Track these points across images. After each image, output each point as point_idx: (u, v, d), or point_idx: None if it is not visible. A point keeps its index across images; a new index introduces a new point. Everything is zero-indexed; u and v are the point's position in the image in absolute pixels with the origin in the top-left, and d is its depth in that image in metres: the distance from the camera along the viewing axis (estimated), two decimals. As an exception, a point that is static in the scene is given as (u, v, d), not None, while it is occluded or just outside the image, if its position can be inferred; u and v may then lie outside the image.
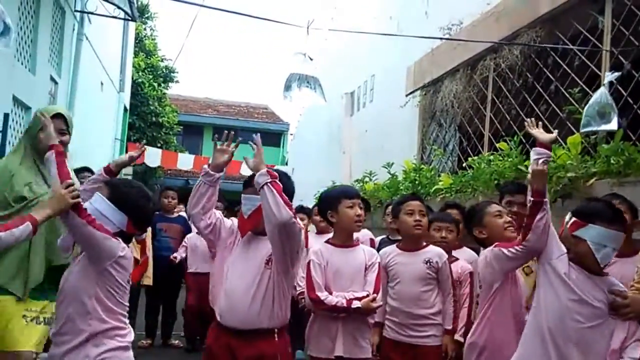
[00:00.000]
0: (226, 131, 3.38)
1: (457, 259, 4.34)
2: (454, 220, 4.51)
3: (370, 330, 3.72)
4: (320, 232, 6.18)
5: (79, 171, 7.06)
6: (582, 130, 4.47)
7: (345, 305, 3.47)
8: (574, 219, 2.87)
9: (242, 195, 3.24)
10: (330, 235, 4.18)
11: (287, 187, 3.14)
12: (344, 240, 3.73)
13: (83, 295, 2.63)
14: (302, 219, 6.53)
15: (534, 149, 3.04)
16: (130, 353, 2.80)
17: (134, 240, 3.49)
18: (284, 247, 3.06)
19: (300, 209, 6.59)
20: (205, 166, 3.29)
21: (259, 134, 3.28)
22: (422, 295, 3.91)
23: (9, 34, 4.68)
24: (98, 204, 2.75)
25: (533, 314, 2.92)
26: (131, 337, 2.82)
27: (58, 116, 3.41)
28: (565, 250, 2.86)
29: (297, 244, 3.11)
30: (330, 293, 3.56)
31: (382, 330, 4.02)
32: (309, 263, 3.67)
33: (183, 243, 7.08)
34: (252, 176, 3.13)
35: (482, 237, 3.54)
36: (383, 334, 4.01)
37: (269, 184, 2.94)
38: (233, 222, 3.40)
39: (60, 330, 2.66)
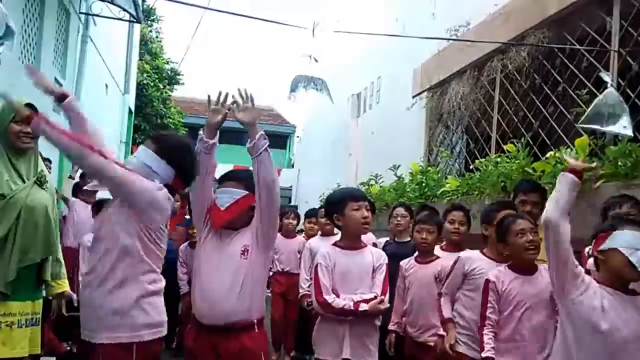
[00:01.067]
0: (220, 91, 3.25)
1: (438, 257, 4.33)
2: (436, 222, 4.49)
3: (377, 334, 3.66)
4: (325, 234, 6.15)
5: (85, 175, 7.07)
6: (580, 125, 4.42)
7: (352, 308, 3.43)
8: (594, 242, 2.73)
9: (219, 189, 3.19)
10: (336, 237, 4.22)
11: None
12: (351, 242, 3.68)
13: (123, 234, 2.68)
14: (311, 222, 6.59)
15: (567, 174, 2.82)
16: (162, 299, 2.90)
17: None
18: (270, 214, 3.09)
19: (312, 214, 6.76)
20: (200, 131, 3.19)
21: (246, 89, 3.18)
22: None
23: (12, 37, 4.67)
24: (144, 156, 2.77)
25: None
26: (162, 284, 2.91)
27: (27, 106, 3.22)
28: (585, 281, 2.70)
29: (278, 211, 3.20)
30: (338, 295, 3.52)
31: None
32: (316, 266, 3.62)
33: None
34: (231, 171, 3.28)
35: (507, 254, 3.45)
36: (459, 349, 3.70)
37: (267, 147, 3.01)
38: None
39: (95, 272, 2.70)
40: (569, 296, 2.67)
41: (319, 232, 6.36)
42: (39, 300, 3.36)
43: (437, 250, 4.49)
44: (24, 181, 3.18)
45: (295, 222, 6.80)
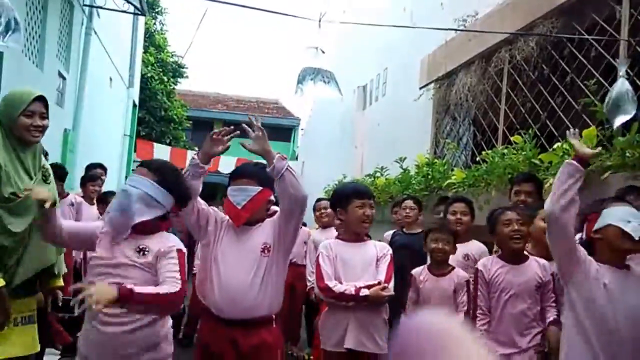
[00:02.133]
0: (225, 127, 3.29)
1: (453, 268, 4.12)
2: (449, 230, 4.28)
3: (386, 327, 3.65)
4: (323, 226, 6.32)
5: (92, 167, 7.07)
6: (616, 125, 4.34)
7: (353, 293, 3.46)
8: (586, 223, 2.81)
9: (232, 186, 3.22)
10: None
11: (268, 177, 3.15)
12: (353, 236, 3.76)
13: (151, 282, 2.70)
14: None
15: (567, 162, 2.79)
16: None
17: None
18: (296, 225, 3.16)
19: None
20: (195, 156, 3.21)
21: (255, 116, 3.21)
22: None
23: (18, 30, 4.63)
24: (148, 188, 2.76)
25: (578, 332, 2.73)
26: None
27: (39, 99, 3.15)
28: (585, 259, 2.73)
29: (301, 222, 3.26)
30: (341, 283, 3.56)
31: None
32: (318, 255, 3.71)
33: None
34: (242, 167, 3.30)
35: (496, 244, 3.75)
36: None
37: (288, 167, 3.01)
38: (216, 212, 3.34)
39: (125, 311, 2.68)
40: (575, 279, 2.71)
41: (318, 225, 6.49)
42: (34, 296, 3.34)
43: None
44: (30, 176, 3.14)
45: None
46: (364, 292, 3.46)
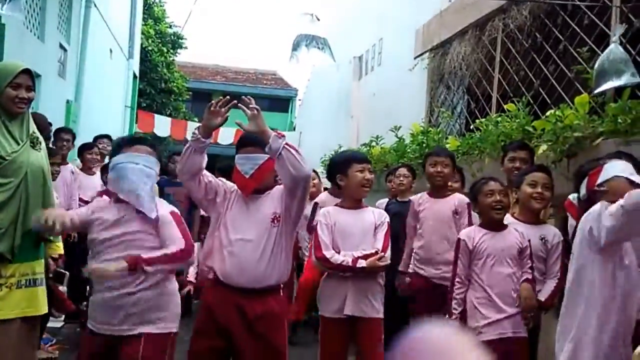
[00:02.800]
0: (222, 97, 3.26)
1: (453, 192, 4.52)
2: (449, 155, 4.64)
3: (382, 290, 3.72)
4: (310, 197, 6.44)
5: (99, 138, 7.16)
6: (596, 90, 4.40)
7: (350, 264, 3.51)
8: (585, 180, 2.89)
9: (239, 155, 3.23)
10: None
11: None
12: (352, 203, 3.77)
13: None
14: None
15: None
16: None
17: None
18: (301, 200, 3.15)
19: None
20: (195, 130, 3.17)
21: (249, 97, 3.22)
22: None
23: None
24: (156, 167, 3.12)
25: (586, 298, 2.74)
26: None
27: (25, 72, 3.16)
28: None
29: (307, 195, 3.25)
30: (339, 252, 3.59)
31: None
32: (316, 224, 3.70)
33: None
34: (249, 135, 3.21)
35: (477, 213, 3.79)
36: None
37: (286, 145, 2.96)
38: (224, 182, 3.33)
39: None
40: (605, 241, 2.63)
41: None
42: (40, 260, 3.34)
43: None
44: (17, 142, 3.16)
45: None
46: (361, 263, 3.51)
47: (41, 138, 3.41)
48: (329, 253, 3.56)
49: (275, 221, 3.14)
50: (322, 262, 3.59)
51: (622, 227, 2.53)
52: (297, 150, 2.99)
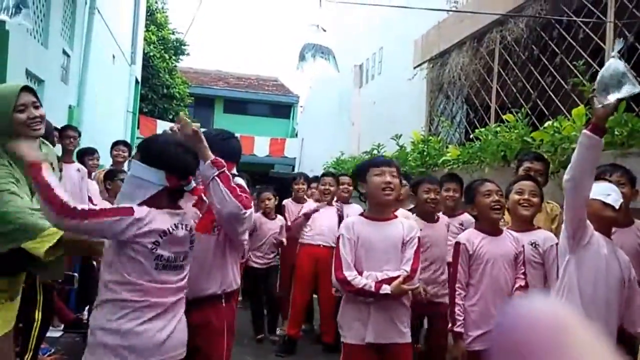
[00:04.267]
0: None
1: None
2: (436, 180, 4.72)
3: (408, 312, 3.40)
4: (296, 200, 6.81)
5: (115, 144, 7.14)
6: (604, 103, 4.44)
7: (373, 290, 3.17)
8: None
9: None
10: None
11: (229, 149, 3.09)
12: (378, 212, 3.43)
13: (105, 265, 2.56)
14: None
15: (582, 132, 2.78)
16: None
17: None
18: (234, 230, 2.96)
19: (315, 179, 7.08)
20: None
21: (182, 113, 3.02)
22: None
23: (27, 7, 4.78)
24: (134, 170, 2.63)
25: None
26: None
27: (25, 89, 2.85)
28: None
29: (246, 227, 2.99)
30: (360, 272, 3.27)
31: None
32: (338, 237, 3.38)
33: None
34: None
35: (474, 214, 3.74)
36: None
37: (216, 177, 2.76)
38: None
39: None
40: (582, 244, 2.90)
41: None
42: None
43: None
44: (33, 194, 2.85)
45: (305, 186, 6.93)
46: (385, 289, 3.16)
47: (55, 162, 3.26)
48: (350, 274, 3.23)
49: (216, 230, 2.99)
50: (343, 285, 3.26)
51: (573, 190, 2.76)
52: (228, 185, 2.77)
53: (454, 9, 7.95)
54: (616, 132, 4.42)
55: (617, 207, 2.92)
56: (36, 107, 2.86)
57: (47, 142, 3.34)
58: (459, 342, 3.51)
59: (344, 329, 3.40)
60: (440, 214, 4.68)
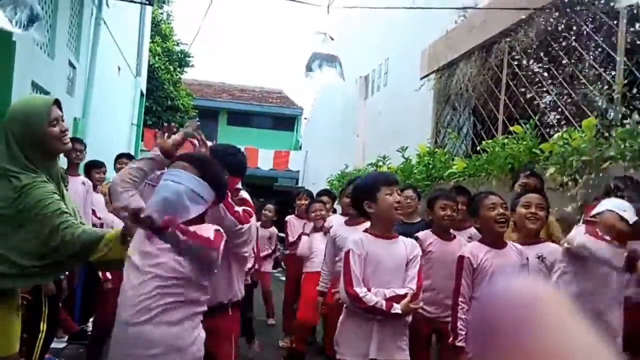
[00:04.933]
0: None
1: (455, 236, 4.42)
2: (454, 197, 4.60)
3: (407, 329, 3.42)
4: (299, 216, 6.91)
5: (119, 157, 7.10)
6: None
7: (384, 308, 3.20)
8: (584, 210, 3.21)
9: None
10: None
11: (235, 163, 3.13)
12: (384, 230, 3.43)
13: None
14: (327, 203, 6.59)
15: None
16: None
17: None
18: (232, 243, 2.99)
19: (327, 193, 7.02)
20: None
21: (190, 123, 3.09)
22: None
23: (39, 20, 4.74)
24: (192, 184, 2.61)
25: None
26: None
27: (55, 103, 2.81)
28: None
29: (245, 238, 3.10)
30: (368, 288, 3.28)
31: None
32: (347, 252, 3.36)
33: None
34: (187, 155, 2.94)
35: (477, 227, 3.74)
36: None
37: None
38: None
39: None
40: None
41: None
42: None
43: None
44: (61, 193, 2.86)
45: (307, 202, 6.84)
46: (396, 309, 3.19)
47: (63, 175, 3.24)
48: (361, 291, 3.23)
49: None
50: (354, 301, 3.25)
51: None
52: (227, 202, 2.87)
53: (462, 19, 7.91)
54: (627, 144, 4.36)
55: (631, 222, 3.15)
56: (63, 120, 2.84)
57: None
58: (461, 356, 3.48)
59: (341, 346, 3.39)
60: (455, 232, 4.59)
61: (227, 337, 3.13)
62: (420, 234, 4.41)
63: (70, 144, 2.90)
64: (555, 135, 5.26)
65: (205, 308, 2.67)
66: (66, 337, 5.85)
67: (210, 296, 2.91)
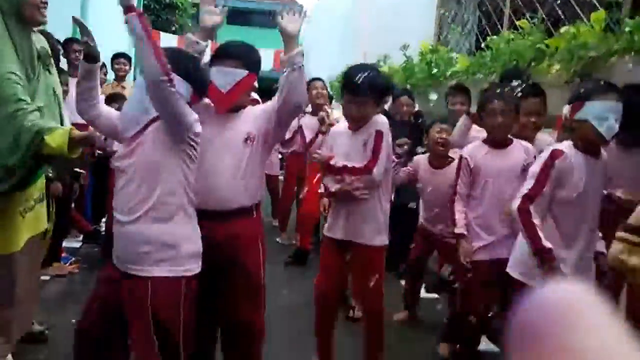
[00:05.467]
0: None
1: (452, 161, 4.24)
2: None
3: (384, 217, 3.44)
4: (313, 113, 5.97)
5: (115, 57, 7.02)
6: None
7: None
8: (569, 106, 2.87)
9: (216, 66, 2.90)
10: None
11: (256, 60, 3.03)
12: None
13: (165, 169, 2.49)
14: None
15: None
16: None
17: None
18: (284, 127, 3.07)
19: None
20: (190, 34, 2.99)
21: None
22: None
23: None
24: None
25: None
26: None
27: (45, 35, 2.85)
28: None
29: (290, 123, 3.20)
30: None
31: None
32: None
33: None
34: (227, 46, 2.98)
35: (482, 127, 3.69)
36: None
37: (302, 67, 2.80)
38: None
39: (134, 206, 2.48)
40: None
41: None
42: (42, 178, 3.19)
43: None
44: (33, 67, 2.86)
45: (325, 91, 6.52)
46: (335, 186, 3.37)
47: (49, 54, 3.20)
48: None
49: (249, 141, 2.90)
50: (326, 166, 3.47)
51: None
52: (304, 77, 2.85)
53: None
54: (636, 37, 4.21)
55: (607, 138, 2.75)
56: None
57: (52, 58, 3.26)
58: (462, 242, 3.53)
59: (328, 222, 3.57)
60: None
61: (253, 243, 2.99)
62: (415, 158, 4.44)
63: (47, 19, 2.85)
64: (563, 30, 5.09)
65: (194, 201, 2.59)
66: (81, 237, 6.00)
67: (231, 199, 2.89)
